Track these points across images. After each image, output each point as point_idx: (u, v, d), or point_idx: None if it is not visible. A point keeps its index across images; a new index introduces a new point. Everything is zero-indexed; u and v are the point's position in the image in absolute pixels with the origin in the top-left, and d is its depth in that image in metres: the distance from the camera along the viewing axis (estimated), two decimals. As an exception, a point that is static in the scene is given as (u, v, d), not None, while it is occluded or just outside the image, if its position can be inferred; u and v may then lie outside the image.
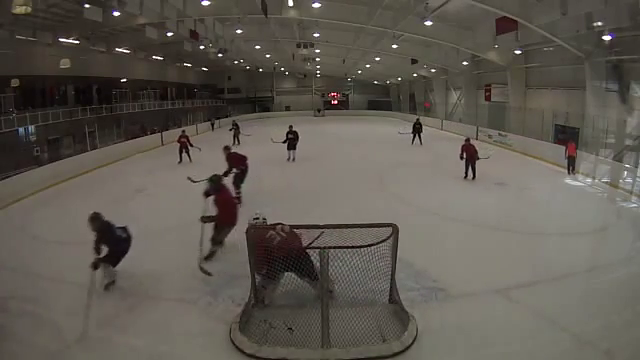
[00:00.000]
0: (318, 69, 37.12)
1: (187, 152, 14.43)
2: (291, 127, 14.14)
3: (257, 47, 25.83)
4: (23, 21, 14.55)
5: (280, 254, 4.29)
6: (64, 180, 11.95)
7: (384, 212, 7.96)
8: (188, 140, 14.51)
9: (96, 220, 5.11)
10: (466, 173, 10.97)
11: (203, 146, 15.16)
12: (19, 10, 11.45)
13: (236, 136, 19.56)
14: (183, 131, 15.72)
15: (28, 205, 9.52)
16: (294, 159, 13.86)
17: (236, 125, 20.22)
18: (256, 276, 4.45)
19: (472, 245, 6.38)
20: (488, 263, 5.71)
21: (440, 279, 5.15)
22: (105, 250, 5.07)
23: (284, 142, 13.87)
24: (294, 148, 13.95)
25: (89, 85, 21.85)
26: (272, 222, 4.80)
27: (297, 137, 14.05)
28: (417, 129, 17.93)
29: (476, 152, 10.95)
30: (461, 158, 11.00)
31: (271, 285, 4.50)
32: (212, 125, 27.91)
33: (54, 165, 12.74)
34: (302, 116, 38.11)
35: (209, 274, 5.20)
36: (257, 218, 4.87)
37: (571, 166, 11.48)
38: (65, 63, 17.82)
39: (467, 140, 11.20)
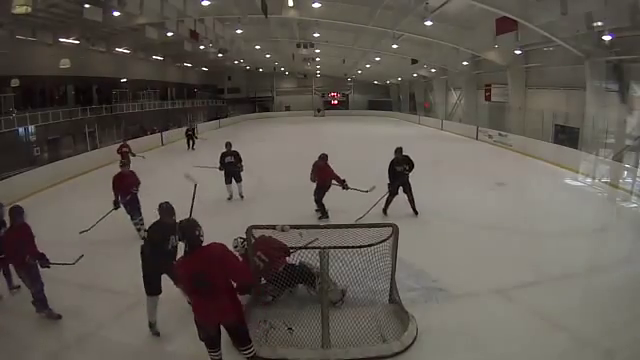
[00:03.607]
0: (318, 69, 37.14)
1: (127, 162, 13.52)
2: (229, 145, 9.18)
3: (257, 47, 25.84)
4: (23, 21, 14.55)
5: (267, 276, 4.50)
6: (64, 180, 11.94)
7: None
8: (130, 150, 13.09)
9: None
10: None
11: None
12: (19, 10, 11.45)
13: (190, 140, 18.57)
14: (124, 140, 14.32)
15: (28, 205, 9.42)
16: (241, 196, 9.22)
17: (192, 131, 19.20)
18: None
19: (472, 245, 6.37)
20: (488, 263, 5.70)
21: (440, 279, 5.15)
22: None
23: (220, 169, 9.05)
24: (237, 178, 9.07)
25: (89, 85, 21.86)
26: (271, 223, 4.80)
27: (239, 160, 9.05)
28: (401, 176, 7.56)
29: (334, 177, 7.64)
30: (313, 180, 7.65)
31: (273, 292, 4.62)
32: (193, 129, 24.87)
33: (54, 165, 12.74)
34: (302, 116, 38.17)
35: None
36: (236, 246, 4.76)
37: None
38: (65, 63, 17.84)
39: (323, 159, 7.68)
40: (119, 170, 7.35)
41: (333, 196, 7.77)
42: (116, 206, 6.92)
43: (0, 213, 5.10)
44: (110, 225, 7.08)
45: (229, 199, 9.15)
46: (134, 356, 3.95)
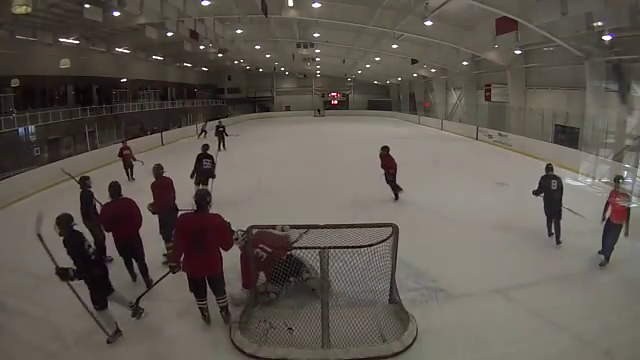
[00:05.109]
0: (318, 69, 37.13)
1: (130, 168, 11.72)
2: (205, 148, 8.74)
3: (257, 47, 25.83)
4: (23, 21, 14.55)
5: (268, 269, 4.49)
6: (64, 180, 11.90)
7: (384, 212, 7.99)
8: (131, 153, 11.90)
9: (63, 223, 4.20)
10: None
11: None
12: (19, 10, 11.44)
13: (221, 140, 16.97)
14: (123, 141, 12.62)
15: (28, 205, 9.52)
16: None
17: (222, 127, 17.84)
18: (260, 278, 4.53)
19: (472, 245, 6.38)
20: (488, 263, 5.71)
21: (440, 279, 5.15)
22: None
23: (192, 174, 8.45)
24: (205, 182, 8.29)
25: (89, 85, 21.86)
26: (271, 223, 4.80)
27: (212, 162, 8.58)
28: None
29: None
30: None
31: (275, 289, 4.59)
32: (203, 131, 21.93)
33: (54, 165, 12.73)
34: (302, 116, 38.15)
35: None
36: (237, 238, 4.67)
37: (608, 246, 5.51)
38: (65, 63, 17.83)
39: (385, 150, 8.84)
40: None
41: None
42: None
43: (86, 185, 5.90)
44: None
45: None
46: (134, 356, 3.95)
